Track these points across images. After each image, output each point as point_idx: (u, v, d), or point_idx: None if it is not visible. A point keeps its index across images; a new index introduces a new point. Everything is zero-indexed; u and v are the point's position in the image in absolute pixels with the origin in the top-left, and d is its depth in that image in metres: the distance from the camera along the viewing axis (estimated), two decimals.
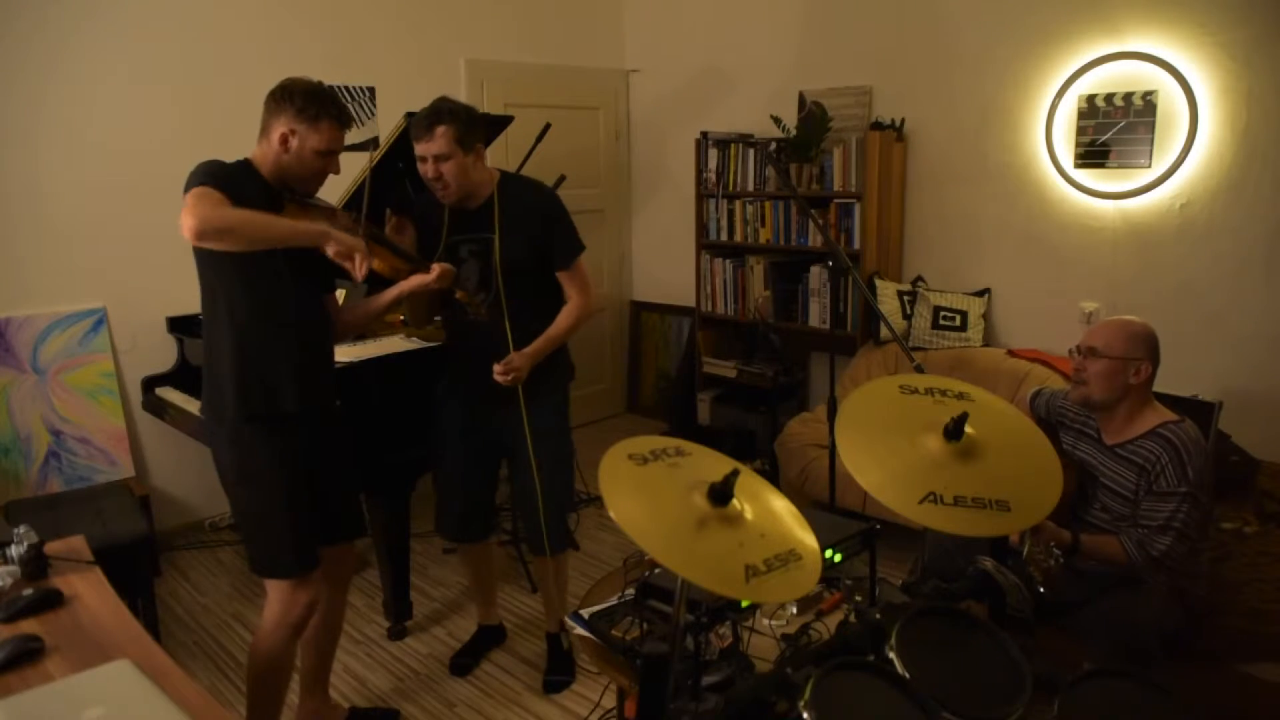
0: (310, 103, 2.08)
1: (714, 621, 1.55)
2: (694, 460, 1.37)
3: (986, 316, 3.93)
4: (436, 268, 2.31)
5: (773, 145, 4.28)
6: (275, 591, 2.25)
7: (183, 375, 3.75)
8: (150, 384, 3.76)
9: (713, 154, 4.54)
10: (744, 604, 1.56)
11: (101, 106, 3.58)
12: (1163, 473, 2.17)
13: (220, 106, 3.71)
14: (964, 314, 3.90)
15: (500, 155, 4.40)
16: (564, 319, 2.59)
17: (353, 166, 2.60)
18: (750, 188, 4.46)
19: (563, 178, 3.71)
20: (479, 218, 2.51)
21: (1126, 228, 3.52)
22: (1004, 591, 1.58)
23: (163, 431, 3.80)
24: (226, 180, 2.01)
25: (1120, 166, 3.48)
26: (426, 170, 2.41)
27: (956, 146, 3.98)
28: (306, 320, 2.24)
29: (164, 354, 3.82)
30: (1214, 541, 2.58)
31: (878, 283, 4.05)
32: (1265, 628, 2.40)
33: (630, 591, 1.94)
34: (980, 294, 3.95)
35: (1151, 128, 3.37)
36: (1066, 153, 3.62)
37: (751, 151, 4.42)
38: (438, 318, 2.80)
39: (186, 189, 1.98)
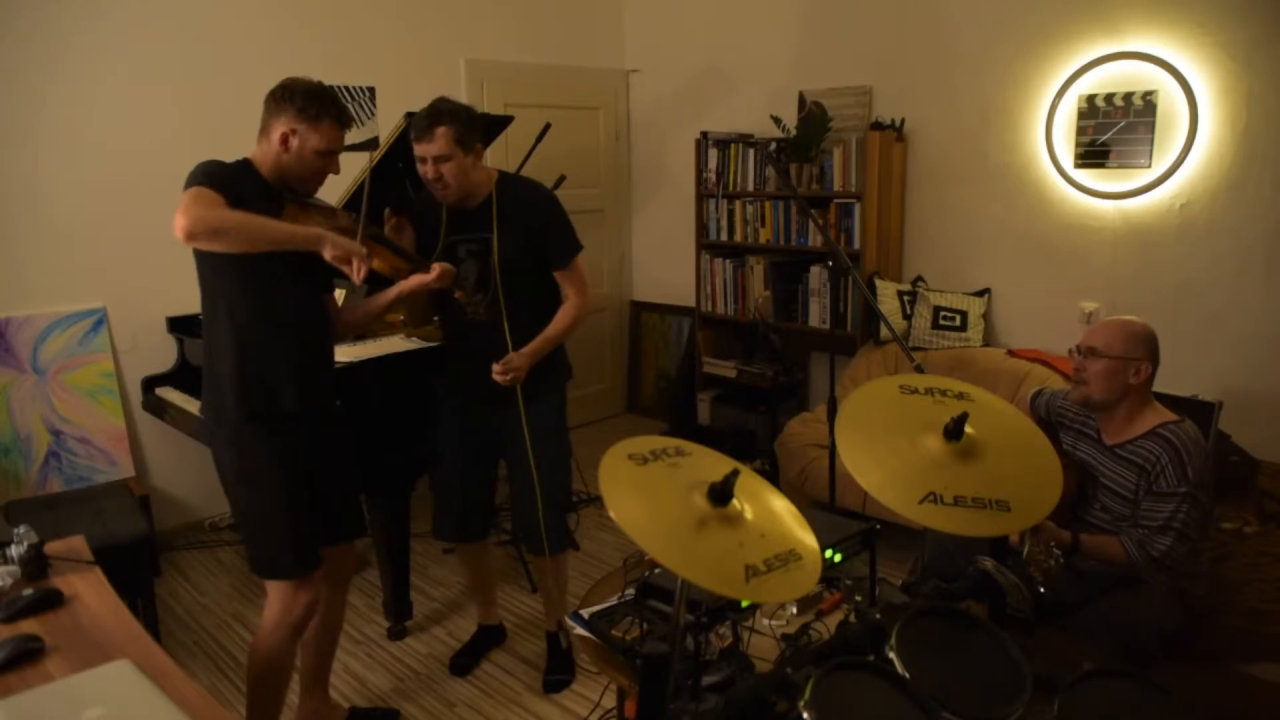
0: (311, 102, 2.08)
1: (714, 621, 1.55)
2: (694, 460, 1.37)
3: (986, 316, 3.93)
4: (436, 267, 2.31)
5: (773, 145, 4.28)
6: (275, 592, 2.25)
7: (183, 375, 3.75)
8: (150, 384, 3.76)
9: (713, 154, 4.54)
10: (744, 604, 1.56)
11: (101, 106, 3.58)
12: (1163, 473, 2.17)
13: (220, 106, 3.71)
14: (964, 314, 3.90)
15: (500, 155, 4.40)
16: (562, 319, 2.60)
17: (353, 166, 2.60)
18: (750, 188, 4.45)
19: (563, 178, 3.71)
20: (477, 217, 2.52)
21: (1126, 228, 3.52)
22: (1004, 591, 1.58)
23: (163, 431, 3.80)
24: (225, 180, 2.01)
25: (1120, 166, 3.48)
26: (426, 171, 2.41)
27: (956, 146, 3.98)
28: (306, 320, 2.24)
29: (164, 354, 3.82)
30: (1214, 541, 2.58)
31: (878, 283, 4.05)
32: (1265, 628, 2.40)
33: (630, 591, 1.94)
34: (980, 294, 3.95)
35: (1151, 128, 3.37)
36: (1066, 153, 3.62)
37: (751, 151, 4.42)
38: (436, 317, 2.80)
39: (185, 189, 1.98)
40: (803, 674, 1.32)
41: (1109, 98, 3.46)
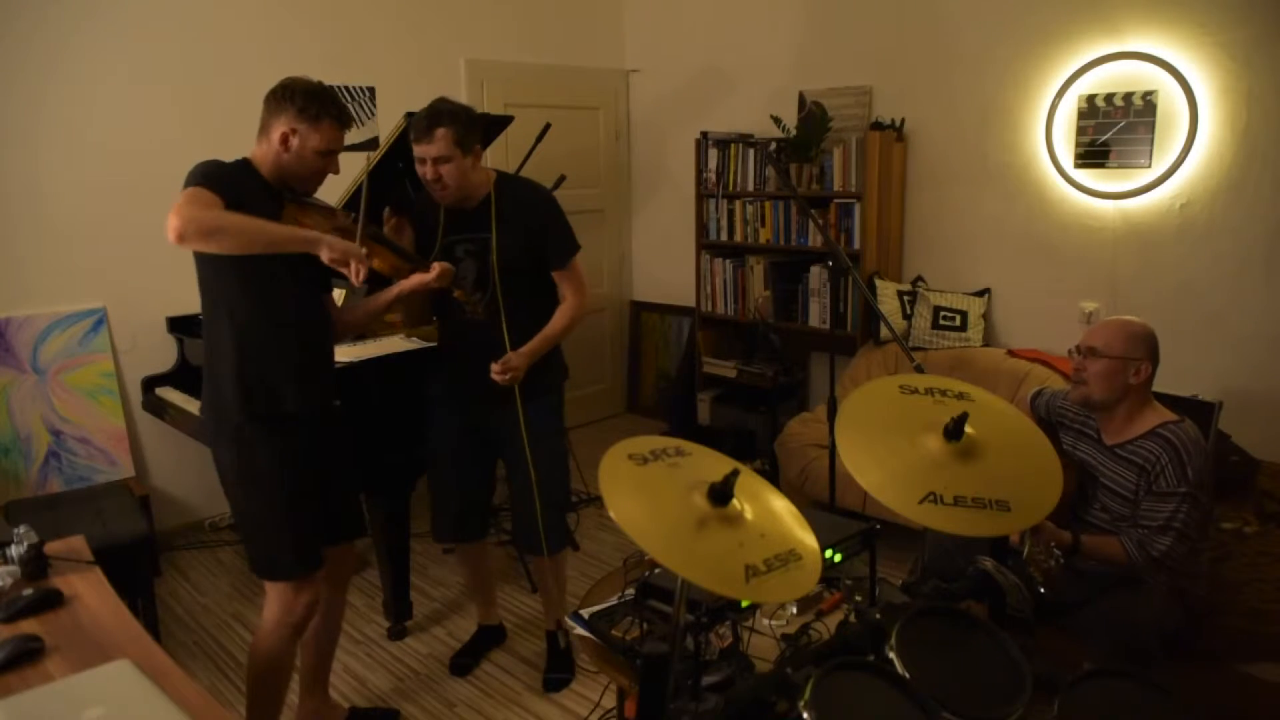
0: (311, 102, 2.08)
1: (714, 621, 1.55)
2: (694, 460, 1.37)
3: (986, 316, 3.93)
4: (436, 266, 2.31)
5: (773, 145, 4.28)
6: (275, 592, 2.25)
7: (183, 375, 3.75)
8: (150, 384, 3.76)
9: (713, 154, 4.54)
10: (744, 604, 1.56)
11: (101, 106, 3.58)
12: (1162, 473, 2.17)
13: (220, 106, 3.71)
14: (964, 314, 3.90)
15: (500, 155, 4.40)
16: (560, 318, 2.60)
17: (353, 166, 2.60)
18: (750, 188, 4.45)
19: (563, 178, 3.71)
20: (476, 218, 2.52)
21: (1126, 228, 3.52)
22: (1004, 591, 1.58)
23: (163, 431, 3.80)
24: (223, 181, 2.00)
25: (1120, 166, 3.48)
26: (425, 172, 2.41)
27: (956, 146, 3.98)
28: (306, 320, 2.24)
29: (164, 354, 3.82)
30: (1214, 541, 2.58)
31: (878, 283, 4.05)
32: (1265, 628, 2.40)
33: (630, 591, 1.94)
34: (980, 294, 3.95)
35: (1151, 128, 3.37)
36: (1066, 153, 3.62)
37: (751, 151, 4.42)
38: (435, 317, 2.80)
39: (183, 189, 1.98)
40: (803, 674, 1.32)
41: (1109, 98, 3.46)
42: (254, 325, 2.13)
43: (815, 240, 4.22)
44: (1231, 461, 2.87)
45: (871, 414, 1.58)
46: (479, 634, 3.05)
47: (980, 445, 1.50)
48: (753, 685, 1.39)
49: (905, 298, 4.01)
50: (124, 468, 3.74)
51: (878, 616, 1.47)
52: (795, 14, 4.48)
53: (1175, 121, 3.32)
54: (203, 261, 2.10)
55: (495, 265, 2.50)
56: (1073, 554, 2.17)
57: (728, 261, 4.59)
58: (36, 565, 1.81)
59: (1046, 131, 3.66)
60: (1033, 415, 2.55)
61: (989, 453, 1.50)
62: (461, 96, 4.53)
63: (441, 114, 2.37)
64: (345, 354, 2.98)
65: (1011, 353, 3.69)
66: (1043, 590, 1.65)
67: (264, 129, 2.12)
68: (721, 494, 1.27)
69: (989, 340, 3.95)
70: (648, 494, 1.27)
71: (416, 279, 2.31)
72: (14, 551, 1.81)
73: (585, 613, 1.99)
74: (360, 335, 3.23)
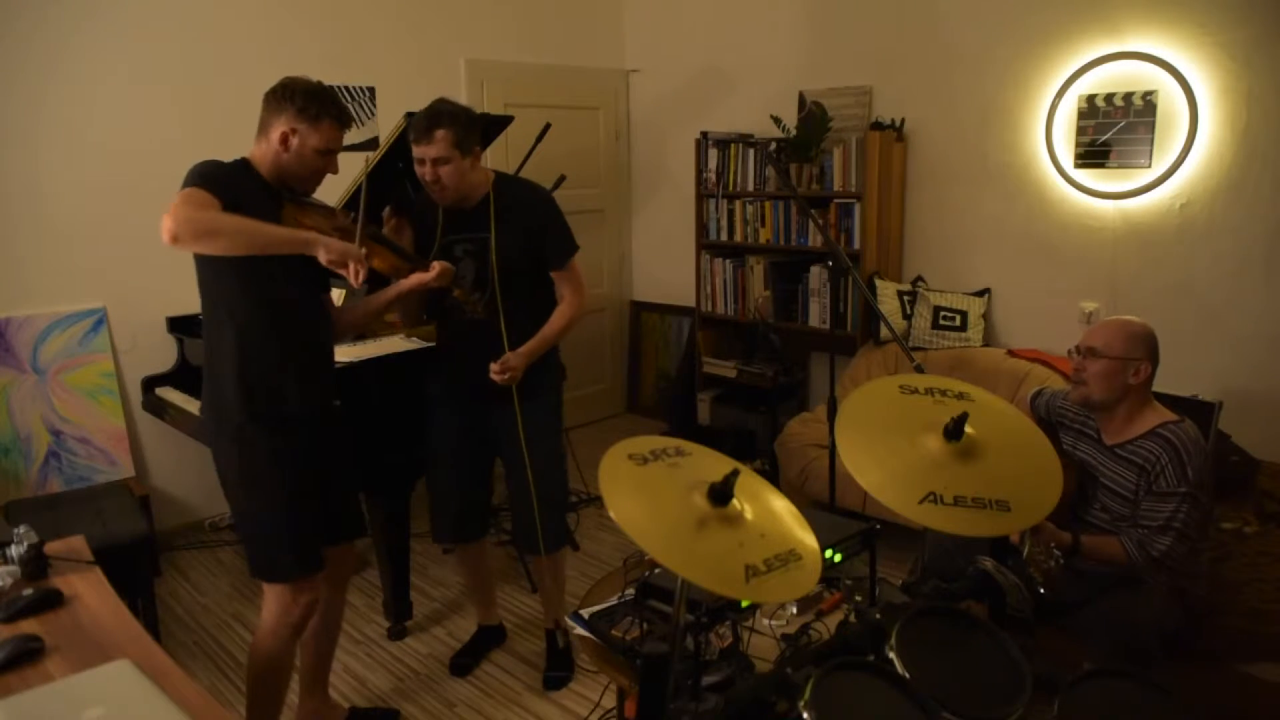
0: (311, 102, 2.08)
1: (714, 621, 1.55)
2: (694, 460, 1.37)
3: (986, 316, 3.93)
4: (436, 265, 2.31)
5: (773, 145, 4.28)
6: (273, 594, 2.24)
7: (183, 375, 3.75)
8: (150, 384, 3.76)
9: (713, 154, 4.54)
10: (744, 604, 1.56)
11: (101, 106, 3.58)
12: (1162, 473, 2.17)
13: (220, 106, 3.71)
14: (964, 314, 3.90)
15: (500, 155, 4.40)
16: (558, 318, 2.60)
17: (353, 166, 2.60)
18: (750, 188, 4.45)
19: (563, 178, 3.71)
20: (474, 218, 2.52)
21: (1126, 228, 3.52)
22: (1004, 591, 1.58)
23: (163, 431, 3.80)
24: (222, 181, 2.00)
25: (1120, 166, 3.48)
26: (424, 172, 2.41)
27: (956, 146, 3.98)
28: (307, 320, 2.24)
29: (164, 354, 3.82)
30: (1214, 541, 2.58)
31: (878, 283, 4.05)
32: (1265, 628, 2.40)
33: (630, 591, 1.94)
34: (980, 294, 3.95)
35: (1151, 128, 3.37)
36: (1066, 153, 3.62)
37: (751, 151, 4.42)
38: (427, 317, 2.80)
39: (181, 190, 1.98)
40: (803, 674, 1.32)
41: (1109, 98, 3.46)
42: (255, 325, 2.13)
43: (815, 240, 4.22)
44: (1231, 461, 2.87)
45: (871, 414, 1.58)
46: (479, 634, 3.05)
47: (980, 445, 1.50)
48: (753, 685, 1.38)
49: (905, 298, 4.01)
50: (124, 468, 3.74)
51: (878, 616, 1.47)
52: (795, 14, 4.48)
53: (1175, 121, 3.32)
54: (203, 263, 2.10)
55: (494, 265, 2.51)
56: (1073, 554, 2.17)
57: (728, 261, 4.59)
58: (36, 565, 1.81)
59: (1046, 131, 3.66)
60: (1033, 415, 2.55)
61: (989, 453, 1.50)
62: (461, 96, 4.53)
63: (441, 115, 2.37)
64: (345, 354, 2.98)
65: (1011, 353, 3.69)
66: (1043, 590, 1.65)
67: (263, 128, 2.12)
68: (721, 494, 1.27)
69: (989, 340, 3.95)
70: (648, 494, 1.27)
71: (416, 278, 2.31)
72: (14, 551, 1.81)
73: (585, 613, 1.99)
74: (360, 335, 3.23)
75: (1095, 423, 2.37)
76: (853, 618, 1.60)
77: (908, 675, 1.31)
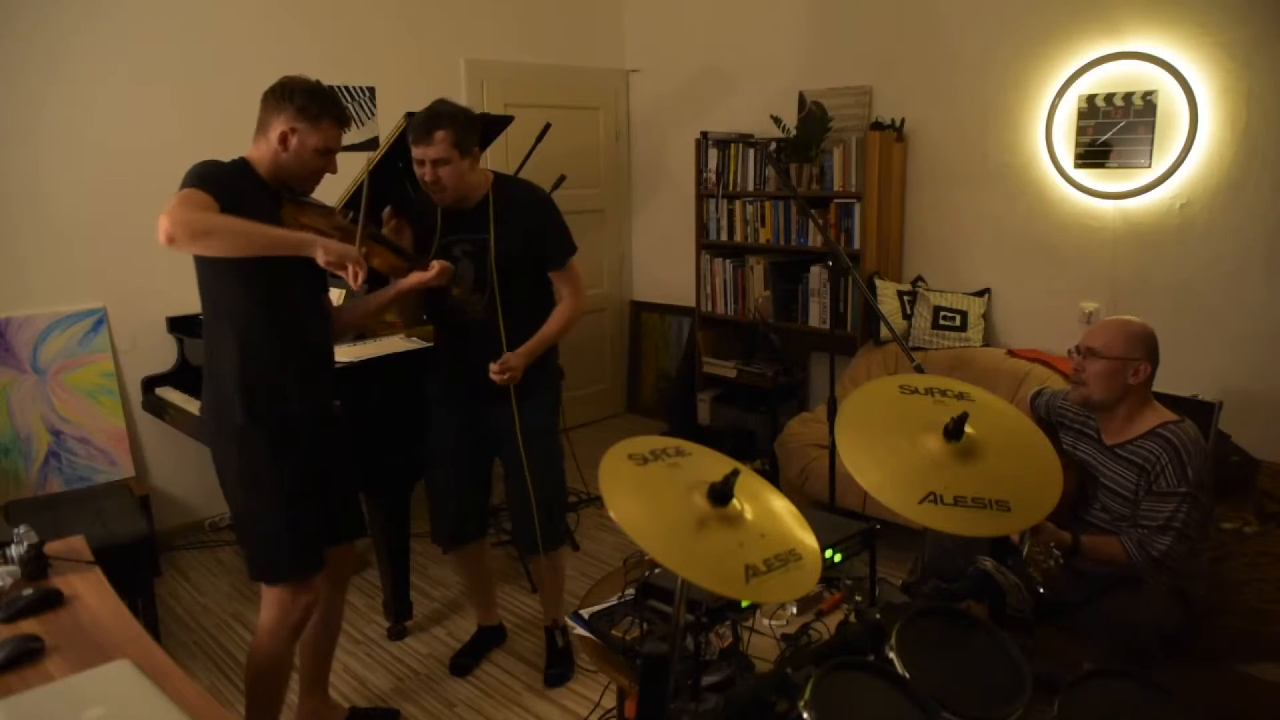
0: (311, 101, 2.08)
1: (714, 621, 1.55)
2: (694, 460, 1.37)
3: (986, 316, 3.93)
4: (435, 264, 2.32)
5: (773, 145, 4.28)
6: (272, 595, 2.24)
7: (183, 375, 3.75)
8: (150, 384, 3.76)
9: (713, 154, 4.54)
10: (744, 604, 1.56)
11: (101, 106, 3.58)
12: (1163, 473, 2.17)
13: (220, 106, 3.71)
14: (964, 314, 3.90)
15: (500, 155, 4.40)
16: (557, 319, 2.61)
17: (353, 167, 2.60)
18: (750, 188, 4.45)
19: (563, 178, 3.71)
20: (473, 218, 2.52)
21: (1126, 228, 3.52)
22: (1004, 591, 1.58)
23: (163, 431, 3.80)
24: (220, 181, 1.99)
25: (1120, 166, 3.48)
26: (424, 173, 2.41)
27: (956, 146, 3.98)
28: (308, 320, 2.24)
29: (164, 354, 3.82)
30: (1214, 541, 2.58)
31: (878, 283, 4.05)
32: (1265, 628, 2.40)
33: (630, 591, 1.94)
34: (980, 294, 3.95)
35: (1151, 128, 3.37)
36: (1066, 153, 3.62)
37: (751, 151, 4.42)
38: (425, 317, 2.80)
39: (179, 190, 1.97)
40: (803, 674, 1.32)
41: (1109, 98, 3.46)
42: (255, 326, 2.13)
43: (815, 240, 4.22)
44: (1231, 461, 2.87)
45: (871, 414, 1.58)
46: (479, 634, 3.05)
47: (980, 445, 1.50)
48: (753, 685, 1.38)
49: (905, 298, 4.01)
50: (124, 468, 3.74)
51: (878, 616, 1.47)
52: (795, 14, 4.48)
53: (1175, 121, 3.32)
54: (203, 263, 2.10)
55: (493, 266, 2.51)
56: (1073, 554, 2.17)
57: (728, 261, 4.59)
58: (36, 565, 1.81)
59: (1046, 131, 3.66)
60: (1033, 415, 2.55)
61: (989, 453, 1.50)
62: (461, 96, 4.53)
63: (440, 116, 2.37)
64: (345, 354, 2.98)
65: (1011, 353, 3.69)
66: (1043, 590, 1.65)
67: (262, 128, 2.12)
68: (721, 494, 1.27)
69: (989, 340, 3.95)
70: (648, 494, 1.27)
71: (415, 277, 2.32)
72: (14, 551, 1.81)
73: (585, 613, 1.99)
74: (360, 335, 3.23)
75: (1095, 423, 2.37)
76: (853, 618, 1.61)
77: (908, 675, 1.31)
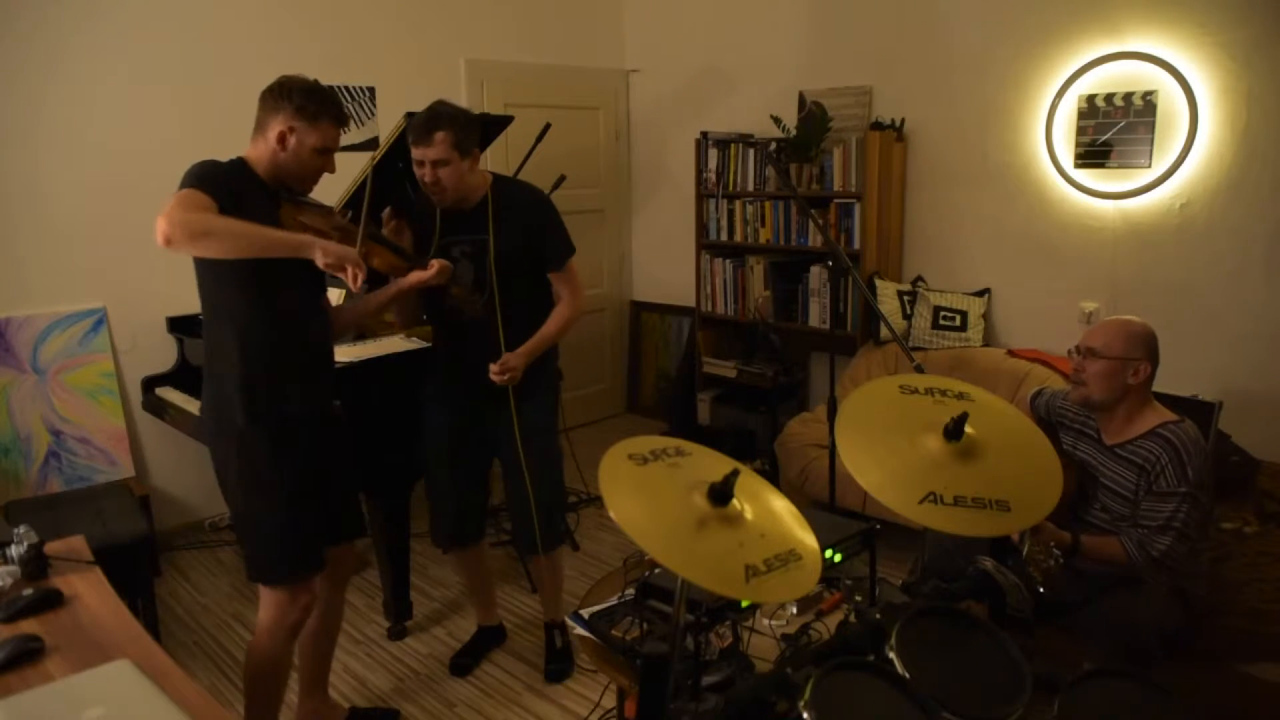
0: (309, 101, 2.07)
1: (714, 621, 1.55)
2: (694, 460, 1.37)
3: (986, 316, 3.93)
4: (435, 264, 2.32)
5: (773, 145, 4.28)
6: (270, 596, 2.23)
7: (183, 375, 3.75)
8: (150, 384, 3.76)
9: (713, 154, 4.54)
10: (744, 604, 1.56)
11: (101, 106, 3.58)
12: (1163, 473, 2.17)
13: (220, 106, 3.71)
14: (964, 314, 3.90)
15: (500, 155, 4.40)
16: (556, 319, 2.61)
17: (352, 167, 2.60)
18: (750, 188, 4.45)
19: (562, 178, 3.71)
20: (472, 219, 2.52)
21: (1126, 228, 3.52)
22: (1004, 591, 1.58)
23: (163, 431, 3.80)
24: (219, 182, 1.99)
25: (1120, 166, 3.48)
26: (424, 174, 2.41)
27: (956, 146, 3.98)
28: (308, 320, 2.24)
29: (164, 354, 3.82)
30: (1214, 541, 2.58)
31: (878, 283, 4.05)
32: (1265, 628, 2.40)
33: (630, 591, 1.94)
34: (980, 294, 3.95)
35: (1151, 128, 3.37)
36: (1066, 153, 3.62)
37: (751, 151, 4.42)
38: (425, 318, 2.80)
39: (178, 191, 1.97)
40: (803, 674, 1.32)
41: (1109, 98, 3.46)
42: (255, 326, 2.12)
43: (815, 240, 4.22)
44: (1231, 461, 2.87)
45: (871, 414, 1.58)
46: (479, 634, 3.05)
47: (980, 445, 1.50)
48: (753, 685, 1.38)
49: (905, 298, 4.01)
50: (124, 468, 3.74)
51: (878, 616, 1.47)
52: (795, 14, 4.48)
53: (1175, 121, 3.32)
54: (203, 264, 2.10)
55: (492, 267, 2.51)
56: (1073, 554, 2.17)
57: (728, 261, 4.59)
58: (36, 565, 1.81)
59: (1046, 131, 3.66)
60: (1033, 415, 2.55)
61: (989, 453, 1.50)
62: (461, 96, 4.54)
63: (440, 117, 2.37)
64: (345, 354, 2.98)
65: (1011, 353, 3.69)
66: (1043, 590, 1.65)
67: (260, 127, 2.11)
68: (721, 494, 1.27)
69: (989, 340, 3.95)
70: (648, 494, 1.27)
71: (415, 276, 2.32)
72: (14, 551, 1.81)
73: (585, 613, 1.99)
74: (360, 335, 3.23)
75: (1095, 423, 2.37)
76: (853, 618, 1.61)
77: (908, 675, 1.31)
